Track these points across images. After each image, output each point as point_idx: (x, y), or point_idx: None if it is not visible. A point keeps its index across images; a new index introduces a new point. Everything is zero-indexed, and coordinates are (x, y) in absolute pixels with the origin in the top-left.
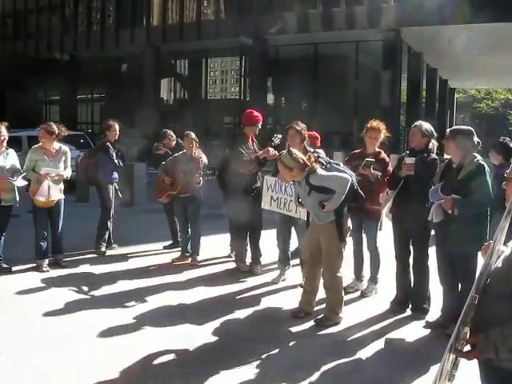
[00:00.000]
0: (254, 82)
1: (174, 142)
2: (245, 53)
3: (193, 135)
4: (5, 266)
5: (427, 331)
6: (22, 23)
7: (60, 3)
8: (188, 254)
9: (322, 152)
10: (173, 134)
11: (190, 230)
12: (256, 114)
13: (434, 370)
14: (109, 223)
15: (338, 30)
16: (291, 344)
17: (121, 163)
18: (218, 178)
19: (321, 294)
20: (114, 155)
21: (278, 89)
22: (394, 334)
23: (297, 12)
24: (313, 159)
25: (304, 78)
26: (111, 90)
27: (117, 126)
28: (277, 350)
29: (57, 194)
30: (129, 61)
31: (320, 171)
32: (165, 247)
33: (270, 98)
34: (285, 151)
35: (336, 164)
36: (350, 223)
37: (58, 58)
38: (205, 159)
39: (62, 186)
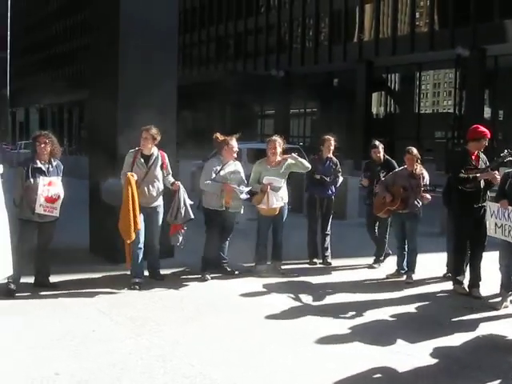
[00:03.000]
0: (469, 95)
1: (381, 155)
2: (460, 64)
3: (414, 151)
4: (229, 269)
5: None
6: (242, 43)
7: (276, 23)
8: (403, 272)
9: None
10: (381, 147)
11: (406, 247)
12: (482, 129)
13: None
14: (316, 236)
15: None
16: None
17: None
18: (443, 195)
19: None
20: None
21: (497, 101)
22: None
23: None
24: None
25: None
26: (323, 104)
27: (332, 141)
28: (498, 382)
29: (279, 201)
30: (341, 76)
31: None
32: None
33: (487, 112)
34: None
35: None
36: None
37: (274, 75)
38: (427, 176)
39: (284, 193)
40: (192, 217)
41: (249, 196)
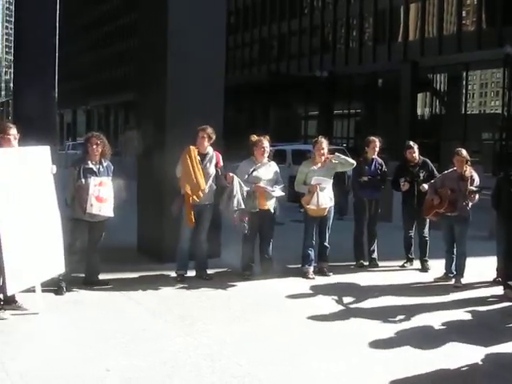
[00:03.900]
0: None
1: (416, 155)
2: (508, 63)
3: (464, 153)
4: (275, 270)
5: None
6: (285, 45)
7: (320, 24)
8: (452, 275)
9: None
10: (416, 147)
11: (455, 250)
12: None
13: None
14: (363, 237)
15: None
16: None
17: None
18: (492, 198)
19: None
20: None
21: None
22: None
23: None
24: None
25: None
26: (367, 105)
27: (377, 142)
28: None
29: (327, 201)
30: (385, 76)
31: None
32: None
33: None
34: None
35: None
36: None
37: (318, 76)
38: (477, 178)
39: (331, 194)
40: (243, 206)
41: (283, 193)
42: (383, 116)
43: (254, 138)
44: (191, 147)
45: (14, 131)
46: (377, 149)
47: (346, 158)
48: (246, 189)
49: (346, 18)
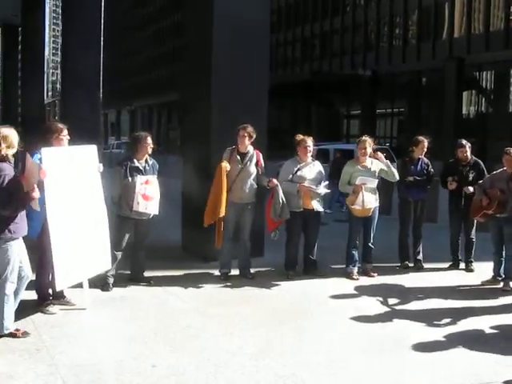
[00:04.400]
0: None
1: (468, 155)
2: None
3: None
4: (318, 270)
5: None
6: (327, 43)
7: (363, 22)
8: (500, 279)
9: None
10: (468, 146)
11: (504, 252)
12: None
13: None
14: (408, 238)
15: None
16: None
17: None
18: None
19: None
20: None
21: None
22: None
23: None
24: None
25: None
26: (410, 104)
27: (425, 143)
28: None
29: (372, 202)
30: (430, 74)
31: None
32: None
33: None
34: None
35: None
36: None
37: (361, 74)
38: None
39: (377, 194)
40: (288, 216)
41: (328, 191)
42: (427, 115)
43: (299, 137)
44: (223, 165)
45: (66, 132)
46: (425, 149)
47: (395, 172)
48: (281, 196)
49: (390, 16)
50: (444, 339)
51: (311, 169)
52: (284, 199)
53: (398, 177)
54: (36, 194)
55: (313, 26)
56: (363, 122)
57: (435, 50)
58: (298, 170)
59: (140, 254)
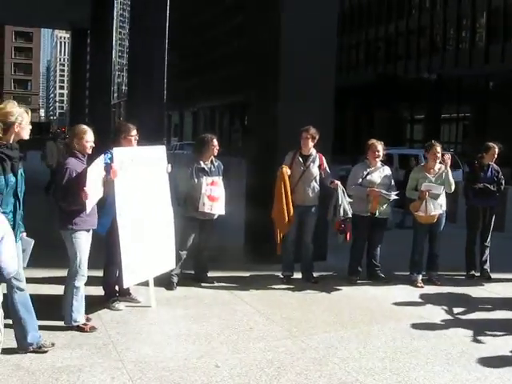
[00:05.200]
0: None
1: None
2: None
3: None
4: (382, 276)
5: None
6: (392, 46)
7: (429, 24)
8: None
9: None
10: None
11: None
12: None
13: None
14: (475, 247)
15: None
16: None
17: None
18: None
19: None
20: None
21: None
22: None
23: None
24: None
25: None
26: (477, 108)
27: (496, 149)
28: None
29: (437, 209)
30: (498, 78)
31: None
32: None
33: None
34: None
35: None
36: None
37: (426, 78)
38: None
39: (443, 201)
40: (350, 215)
41: (397, 197)
42: (495, 120)
43: (371, 141)
44: (284, 169)
45: (134, 132)
46: (495, 156)
47: (452, 181)
48: (349, 199)
49: (457, 18)
50: (510, 354)
51: (381, 173)
52: (343, 200)
53: (453, 188)
54: (85, 196)
55: (377, 29)
56: (427, 126)
57: (504, 53)
58: (368, 174)
59: (204, 255)
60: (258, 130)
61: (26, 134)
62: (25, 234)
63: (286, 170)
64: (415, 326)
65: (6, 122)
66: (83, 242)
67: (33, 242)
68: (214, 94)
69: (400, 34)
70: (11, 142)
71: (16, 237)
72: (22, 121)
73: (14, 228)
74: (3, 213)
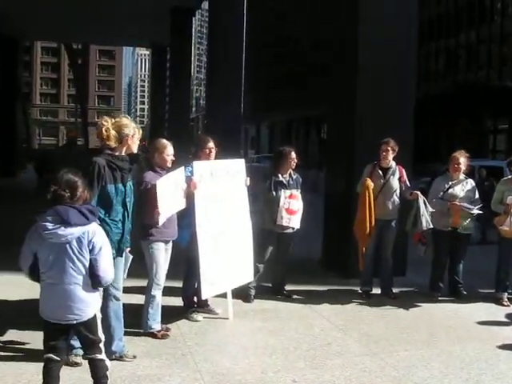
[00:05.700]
0: None
1: None
2: None
3: None
4: (465, 293)
5: None
6: (473, 54)
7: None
8: None
9: None
10: None
11: None
12: None
13: None
14: None
15: None
16: None
17: None
18: None
19: None
20: None
21: None
22: None
23: None
24: None
25: None
26: None
27: None
28: None
29: None
30: None
31: None
32: None
33: None
34: None
35: None
36: None
37: (509, 87)
38: None
39: None
40: (431, 226)
41: (481, 212)
42: None
43: (454, 154)
44: (368, 181)
45: (211, 144)
46: None
47: None
48: (430, 210)
49: None
50: None
51: (464, 187)
52: (425, 211)
53: None
54: (157, 212)
55: (458, 37)
56: (511, 137)
57: None
58: (450, 187)
59: (281, 268)
60: (335, 144)
61: (135, 148)
62: (128, 249)
63: (370, 182)
64: (501, 347)
65: (121, 133)
66: (160, 252)
67: (131, 257)
68: (290, 107)
69: (481, 41)
70: (123, 153)
71: (119, 248)
72: (135, 135)
73: (122, 238)
74: (112, 221)
